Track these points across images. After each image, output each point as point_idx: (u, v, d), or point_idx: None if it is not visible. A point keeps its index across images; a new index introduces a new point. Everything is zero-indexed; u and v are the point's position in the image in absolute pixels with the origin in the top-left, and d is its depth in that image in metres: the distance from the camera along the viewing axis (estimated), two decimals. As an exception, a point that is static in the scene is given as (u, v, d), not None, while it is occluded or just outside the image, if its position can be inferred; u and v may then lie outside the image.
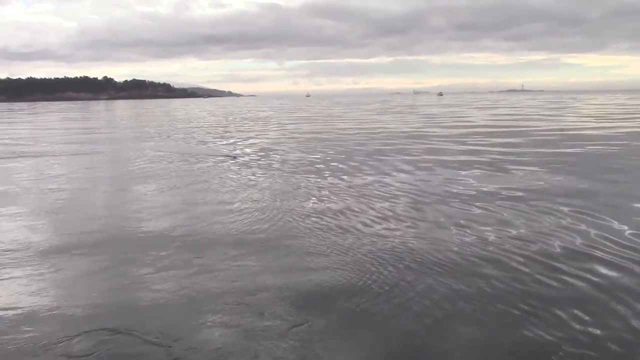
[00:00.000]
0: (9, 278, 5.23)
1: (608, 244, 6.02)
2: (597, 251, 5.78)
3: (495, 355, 3.73)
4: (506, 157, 14.06)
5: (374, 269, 5.32)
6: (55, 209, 8.43)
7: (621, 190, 9.24)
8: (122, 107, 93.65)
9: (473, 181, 10.38)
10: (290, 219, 7.41)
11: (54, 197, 9.50)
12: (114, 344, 3.84)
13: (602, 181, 10.16)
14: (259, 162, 13.95)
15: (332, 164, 13.24)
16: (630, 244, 5.99)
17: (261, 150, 17.07)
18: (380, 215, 7.59)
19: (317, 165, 12.96)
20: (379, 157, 14.46)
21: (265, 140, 20.81)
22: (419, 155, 14.76)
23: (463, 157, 14.20)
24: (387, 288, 4.83)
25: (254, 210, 7.98)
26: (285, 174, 11.66)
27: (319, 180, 10.79)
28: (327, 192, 9.39)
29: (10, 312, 4.43)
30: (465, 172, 11.49)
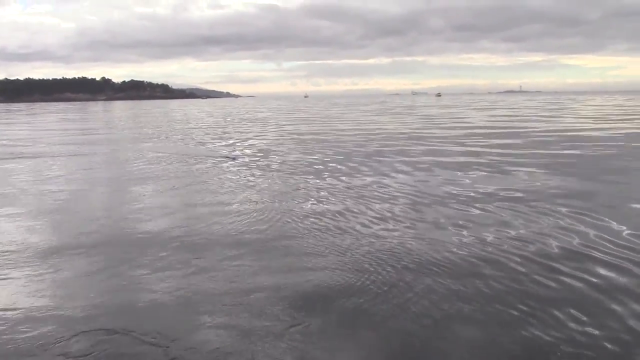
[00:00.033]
0: (7, 279, 5.22)
1: (607, 244, 6.03)
2: (595, 252, 5.79)
3: (493, 356, 3.73)
4: (504, 158, 14.08)
5: (372, 269, 5.32)
6: (53, 210, 8.42)
7: (619, 191, 9.26)
8: (120, 108, 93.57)
9: (471, 182, 10.39)
10: (289, 220, 7.41)
11: (52, 198, 9.49)
12: (112, 344, 3.84)
13: (600, 182, 10.18)
14: (258, 163, 13.95)
15: (331, 165, 13.24)
16: (628, 244, 6.01)
17: (260, 151, 17.07)
18: (378, 216, 7.59)
19: (316, 166, 12.96)
20: (377, 158, 14.46)
21: (264, 141, 20.81)
22: (417, 157, 14.77)
23: (462, 158, 14.21)
24: (385, 288, 4.83)
25: (253, 211, 7.98)
26: (284, 175, 11.65)
27: (318, 181, 10.79)
28: (326, 193, 9.39)
29: (9, 313, 4.42)
30: (463, 173, 11.50)
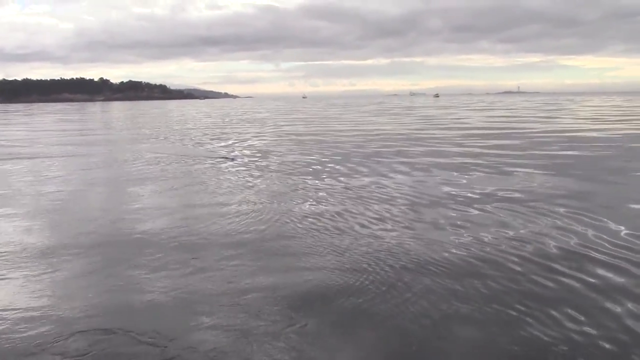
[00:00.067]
0: (5, 279, 5.21)
1: (605, 244, 6.04)
2: (593, 252, 5.80)
3: (492, 356, 3.74)
4: (502, 159, 14.10)
5: (370, 269, 5.32)
6: (51, 211, 8.40)
7: (617, 192, 9.28)
8: (118, 109, 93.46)
9: (470, 183, 10.40)
10: (287, 220, 7.41)
11: (50, 198, 9.47)
12: (110, 344, 3.83)
13: (598, 182, 10.21)
14: (256, 163, 13.94)
15: (329, 165, 13.24)
16: (627, 244, 6.02)
17: (259, 151, 17.06)
18: (377, 216, 7.59)
19: (314, 167, 12.97)
20: (376, 159, 14.47)
21: (263, 142, 20.80)
22: (416, 157, 14.78)
23: (460, 159, 14.22)
24: (384, 289, 4.84)
25: (251, 212, 7.98)
26: (282, 176, 11.65)
27: (316, 182, 10.80)
28: (324, 194, 9.39)
29: (6, 312, 4.41)
30: (462, 174, 11.52)
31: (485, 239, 6.34)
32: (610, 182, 10.22)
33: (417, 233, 6.70)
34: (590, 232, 6.54)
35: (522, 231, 6.68)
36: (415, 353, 3.78)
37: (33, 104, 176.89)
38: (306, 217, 7.58)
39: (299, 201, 8.75)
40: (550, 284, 4.91)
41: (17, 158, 16.03)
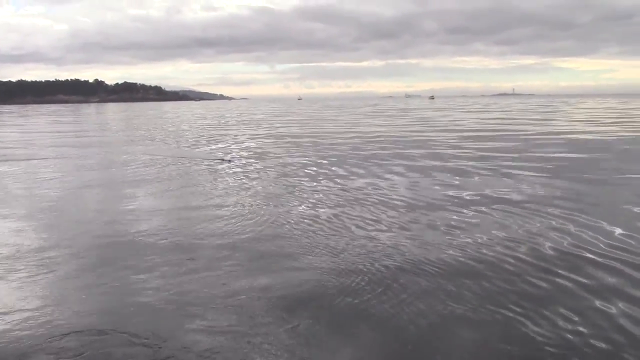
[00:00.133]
0: (-2, 280, 5.20)
1: (600, 245, 6.09)
2: (588, 252, 5.84)
3: (487, 356, 3.76)
4: (498, 161, 14.16)
5: (366, 270, 5.33)
6: (46, 212, 8.38)
7: (611, 193, 9.35)
8: (114, 110, 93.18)
9: (465, 184, 10.44)
10: (283, 222, 7.42)
11: (44, 200, 9.44)
12: (104, 344, 3.83)
13: (592, 184, 10.28)
14: (252, 165, 13.95)
15: (326, 167, 13.26)
16: (620, 245, 6.07)
17: (255, 153, 17.06)
18: (373, 218, 7.61)
19: (311, 169, 12.98)
20: (372, 160, 14.50)
21: (259, 144, 20.80)
22: (411, 159, 14.82)
23: (455, 161, 14.27)
24: (380, 290, 4.85)
25: (247, 213, 7.98)
26: (278, 177, 11.67)
27: (313, 183, 10.81)
28: (321, 196, 9.41)
29: (0, 313, 4.40)
30: (457, 176, 11.56)
31: (481, 240, 6.37)
32: (604, 184, 10.28)
33: (412, 234, 6.72)
34: (584, 233, 6.58)
35: (517, 232, 6.72)
36: (410, 353, 3.80)
37: (27, 105, 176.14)
38: (302, 218, 7.60)
39: (295, 203, 8.76)
40: (545, 285, 4.94)
41: (11, 160, 15.96)
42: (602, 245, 6.06)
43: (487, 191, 9.54)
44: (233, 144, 20.76)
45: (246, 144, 21.00)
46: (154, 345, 3.83)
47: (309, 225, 7.20)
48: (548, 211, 7.79)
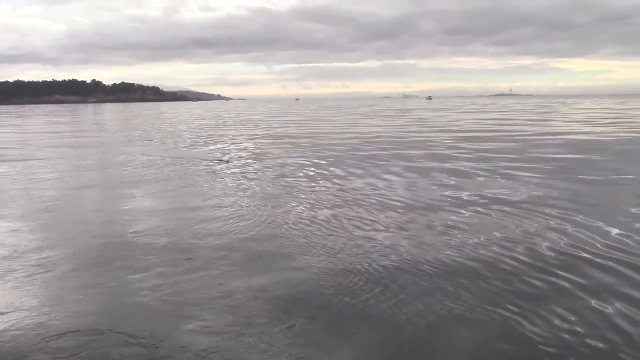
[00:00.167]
0: (-5, 280, 5.19)
1: (597, 245, 6.11)
2: (585, 252, 5.85)
3: (484, 354, 3.76)
4: (495, 162, 14.18)
5: (364, 270, 5.33)
6: (42, 213, 8.36)
7: (608, 194, 9.37)
8: (111, 111, 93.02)
9: (463, 185, 10.46)
10: (281, 222, 7.42)
11: (41, 201, 9.41)
12: (101, 344, 3.82)
13: (590, 184, 10.30)
14: (250, 165, 13.94)
15: (324, 167, 13.26)
16: (617, 245, 6.09)
17: (253, 154, 17.05)
18: (371, 218, 7.62)
19: (309, 169, 12.98)
20: (369, 161, 14.52)
21: (257, 144, 20.79)
22: (409, 160, 14.83)
23: (452, 162, 14.29)
24: (377, 290, 4.85)
25: (245, 213, 7.98)
26: (276, 178, 11.66)
27: (311, 184, 10.81)
28: (318, 196, 9.41)
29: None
30: (455, 176, 11.58)
31: (478, 240, 6.38)
32: (601, 184, 10.31)
33: (410, 234, 6.73)
34: (581, 234, 6.60)
35: (514, 232, 6.73)
36: (408, 353, 3.80)
37: (25, 105, 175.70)
38: (300, 218, 7.60)
39: (293, 203, 8.76)
40: (542, 285, 4.95)
41: (8, 160, 15.92)
42: (599, 246, 6.08)
43: (485, 191, 9.56)
44: (231, 145, 20.74)
45: (244, 144, 20.99)
46: (150, 345, 3.83)
47: (307, 225, 7.20)
48: (545, 211, 7.81)
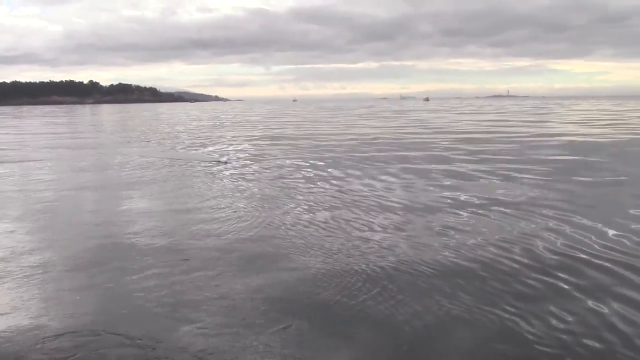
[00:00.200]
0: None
1: (594, 245, 6.12)
2: (582, 253, 5.86)
3: (482, 355, 3.77)
4: (492, 163, 14.20)
5: (362, 271, 5.33)
6: (39, 214, 8.34)
7: (605, 194, 9.40)
8: (108, 111, 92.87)
9: (460, 186, 10.48)
10: (279, 223, 7.42)
11: (38, 202, 9.40)
12: (97, 345, 3.81)
13: (586, 185, 10.33)
14: (249, 166, 13.93)
15: (321, 168, 13.26)
16: (614, 246, 6.11)
17: (251, 155, 17.05)
18: (368, 219, 7.63)
19: (307, 170, 12.98)
20: (367, 162, 14.53)
21: (255, 145, 20.78)
22: (407, 161, 14.85)
23: (450, 163, 14.32)
24: (375, 291, 4.86)
25: (243, 214, 7.98)
26: (274, 179, 11.66)
27: (309, 185, 10.81)
28: (316, 197, 9.41)
29: (-8, 316, 4.39)
30: (452, 178, 11.60)
31: (476, 241, 6.39)
32: (598, 186, 10.33)
33: (408, 235, 6.74)
34: (578, 234, 6.62)
35: (512, 233, 6.74)
36: (406, 353, 3.80)
37: (22, 106, 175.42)
38: (298, 220, 7.60)
39: (292, 204, 8.76)
40: (539, 285, 4.96)
41: (5, 162, 15.89)
42: (596, 246, 6.10)
43: (482, 193, 9.57)
44: (229, 146, 20.73)
45: (242, 145, 20.97)
46: (147, 346, 3.83)
47: (305, 226, 7.20)
48: (543, 212, 7.82)
